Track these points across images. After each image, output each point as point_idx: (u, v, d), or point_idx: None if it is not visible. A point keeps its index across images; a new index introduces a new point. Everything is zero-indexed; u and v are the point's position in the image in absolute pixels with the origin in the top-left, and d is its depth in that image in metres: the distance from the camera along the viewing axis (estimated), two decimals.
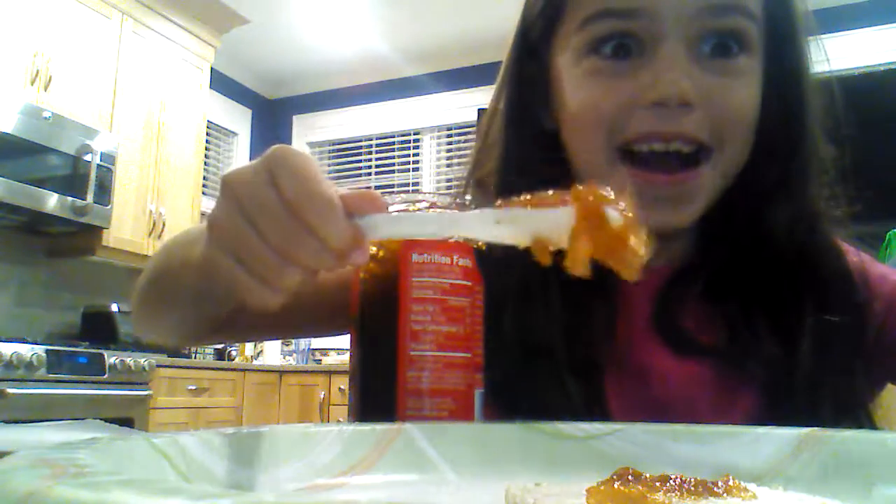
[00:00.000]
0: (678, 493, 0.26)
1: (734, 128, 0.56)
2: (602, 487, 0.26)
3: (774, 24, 0.58)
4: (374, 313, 0.48)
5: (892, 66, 3.03)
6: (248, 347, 4.22)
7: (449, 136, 4.52)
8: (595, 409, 0.54)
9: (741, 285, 0.58)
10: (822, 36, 0.61)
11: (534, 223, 0.33)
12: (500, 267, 0.57)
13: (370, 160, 4.71)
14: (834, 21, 3.29)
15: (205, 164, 3.91)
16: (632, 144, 0.56)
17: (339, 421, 0.73)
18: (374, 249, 0.47)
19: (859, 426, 0.53)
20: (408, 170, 4.60)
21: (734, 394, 0.57)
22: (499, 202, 0.34)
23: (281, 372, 3.87)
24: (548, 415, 0.39)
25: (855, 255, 0.61)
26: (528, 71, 0.63)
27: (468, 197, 0.68)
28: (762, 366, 0.56)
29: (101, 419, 0.81)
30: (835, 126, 0.60)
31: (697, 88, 0.54)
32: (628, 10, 0.55)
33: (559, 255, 0.33)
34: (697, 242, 0.63)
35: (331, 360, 4.20)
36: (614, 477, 0.28)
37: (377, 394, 0.47)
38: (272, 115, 4.91)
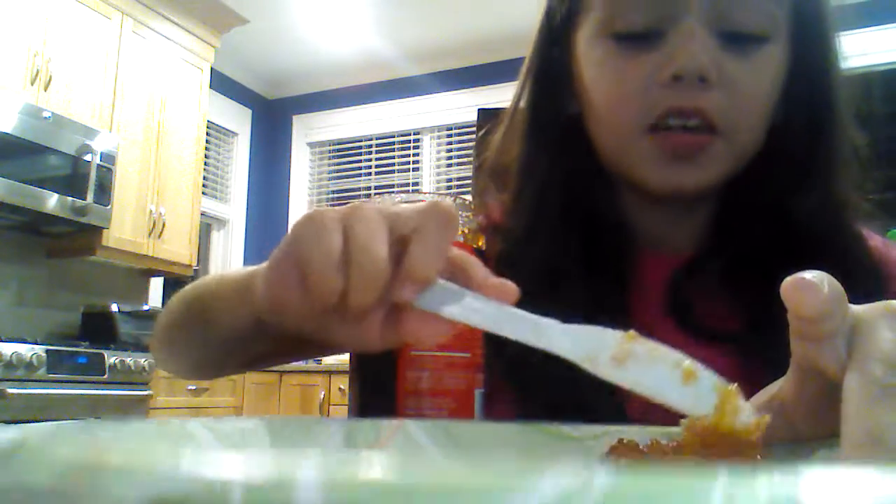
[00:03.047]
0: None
1: (747, 116, 0.55)
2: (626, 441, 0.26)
3: (802, 11, 0.56)
4: None
5: None
6: None
7: (449, 136, 4.52)
8: (609, 398, 0.53)
9: (761, 271, 0.58)
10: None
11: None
12: (515, 257, 0.57)
13: (370, 160, 4.71)
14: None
15: (205, 164, 3.92)
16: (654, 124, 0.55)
17: None
18: None
19: None
20: (408, 170, 4.60)
21: (754, 382, 0.56)
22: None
23: (281, 372, 3.87)
24: (561, 403, 0.38)
25: (871, 240, 0.61)
26: (552, 54, 0.63)
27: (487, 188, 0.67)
28: (782, 353, 0.55)
29: (100, 419, 0.80)
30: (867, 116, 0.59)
31: (716, 67, 0.53)
32: None
33: None
34: (715, 227, 0.62)
35: (331, 360, 4.20)
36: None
37: (377, 394, 0.47)
38: (272, 115, 4.91)
